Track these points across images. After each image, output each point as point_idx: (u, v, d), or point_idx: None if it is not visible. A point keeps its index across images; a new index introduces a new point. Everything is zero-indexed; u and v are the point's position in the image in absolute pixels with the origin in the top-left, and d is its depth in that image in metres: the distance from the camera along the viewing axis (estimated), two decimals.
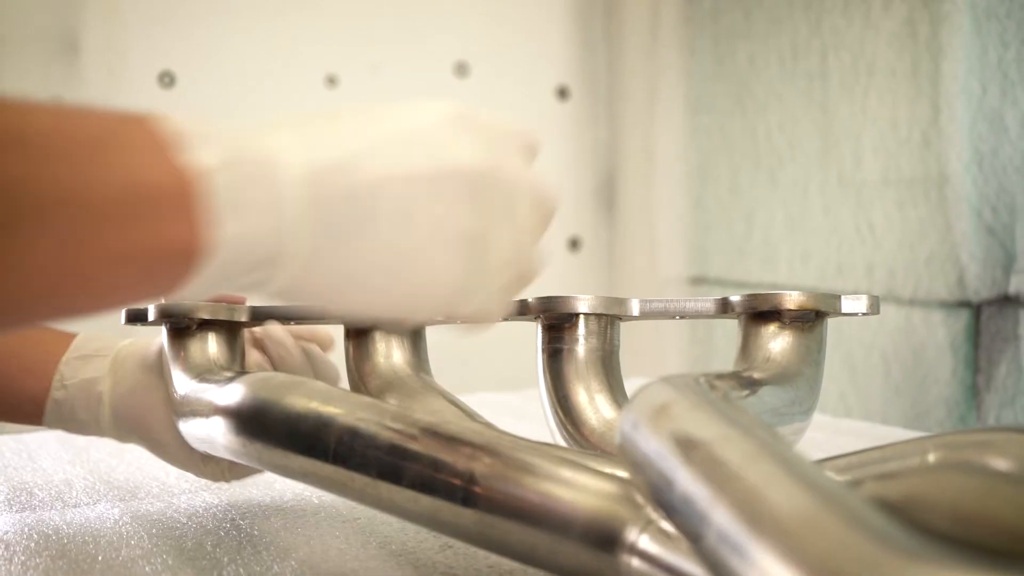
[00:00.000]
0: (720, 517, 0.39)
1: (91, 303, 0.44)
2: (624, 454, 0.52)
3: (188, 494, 0.83)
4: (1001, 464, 0.49)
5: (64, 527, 0.73)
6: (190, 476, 0.88)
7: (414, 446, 0.58)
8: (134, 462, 0.93)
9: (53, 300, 0.42)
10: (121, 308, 0.59)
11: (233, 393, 0.66)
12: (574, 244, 1.89)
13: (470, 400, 0.74)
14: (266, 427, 0.63)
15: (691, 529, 0.42)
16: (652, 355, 1.84)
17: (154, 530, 0.72)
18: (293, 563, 0.65)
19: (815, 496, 0.36)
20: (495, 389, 1.29)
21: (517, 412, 1.11)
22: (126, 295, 0.45)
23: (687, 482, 0.43)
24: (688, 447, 0.45)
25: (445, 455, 0.57)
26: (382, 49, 1.78)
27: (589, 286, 1.82)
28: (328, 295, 0.49)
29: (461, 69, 1.81)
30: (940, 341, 1.34)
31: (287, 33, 1.74)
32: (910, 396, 1.37)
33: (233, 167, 0.44)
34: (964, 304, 1.32)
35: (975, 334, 1.32)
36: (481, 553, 0.67)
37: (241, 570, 0.64)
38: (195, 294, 0.45)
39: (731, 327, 0.76)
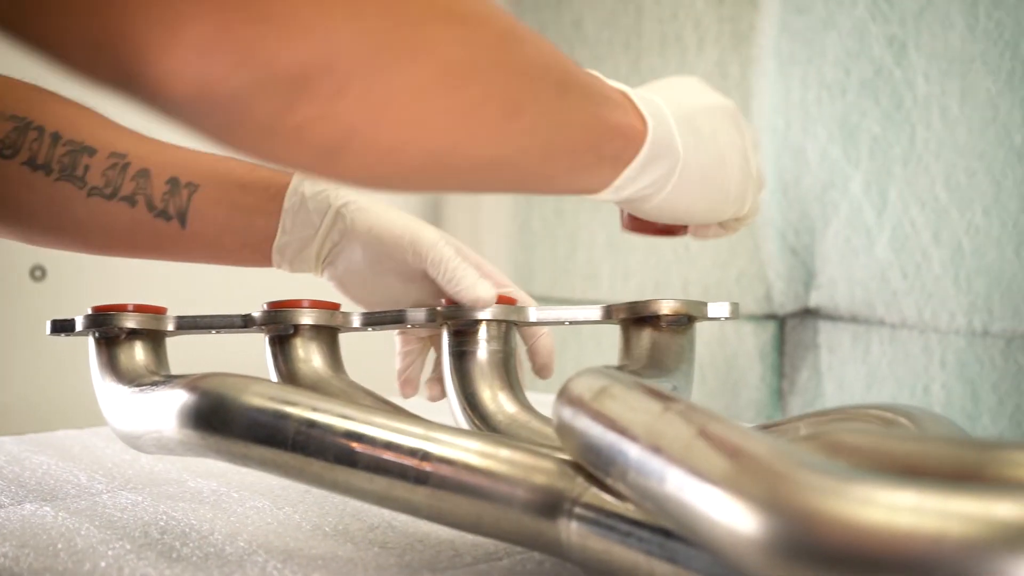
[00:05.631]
0: (635, 453, 0.50)
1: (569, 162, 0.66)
2: (562, 431, 0.62)
3: (109, 493, 0.88)
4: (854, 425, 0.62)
5: (7, 523, 0.79)
6: (103, 478, 0.94)
7: (369, 432, 0.67)
8: (41, 466, 0.98)
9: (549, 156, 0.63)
10: (576, 177, 0.70)
11: (188, 391, 0.73)
12: None
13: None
14: (226, 421, 0.70)
15: (609, 470, 0.53)
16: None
17: (97, 522, 0.79)
18: (241, 543, 0.73)
19: (732, 431, 0.47)
20: None
21: None
22: (588, 160, 0.67)
23: (642, 448, 0.53)
24: (633, 418, 0.55)
25: (398, 438, 0.66)
26: None
27: None
28: (685, 199, 0.74)
29: None
30: (750, 350, 1.49)
31: None
32: (724, 400, 1.52)
33: (648, 101, 0.71)
34: (771, 317, 1.48)
35: (780, 343, 1.48)
36: (410, 528, 0.76)
37: (198, 551, 0.71)
38: (623, 185, 0.70)
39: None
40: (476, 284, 0.82)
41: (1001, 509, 0.38)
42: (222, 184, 0.85)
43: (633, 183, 0.71)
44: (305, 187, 0.85)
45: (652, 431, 0.53)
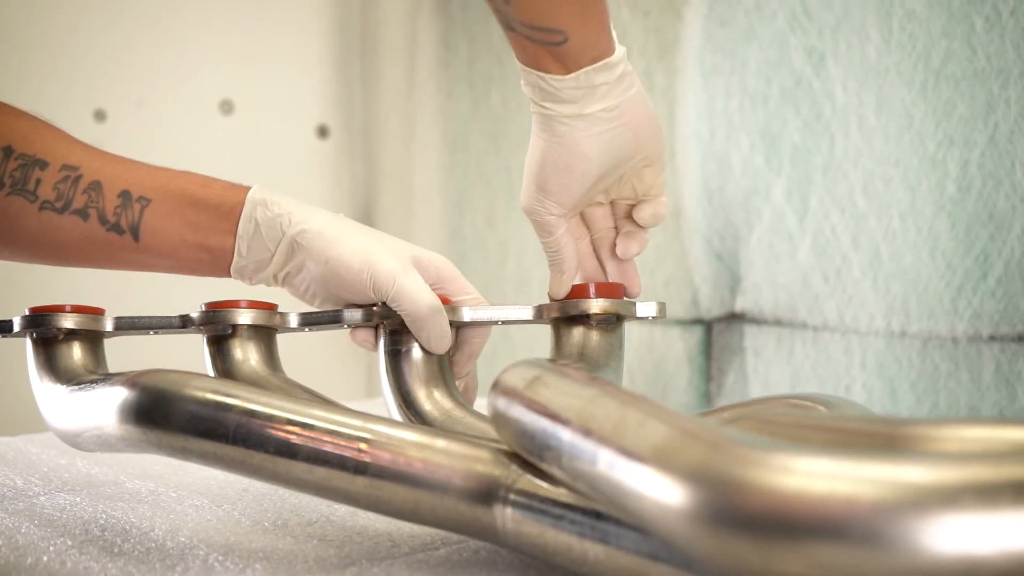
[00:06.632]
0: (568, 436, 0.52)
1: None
2: (497, 420, 0.65)
3: (46, 495, 0.89)
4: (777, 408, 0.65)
5: None
6: (39, 481, 0.94)
7: (309, 423, 0.69)
8: None
9: None
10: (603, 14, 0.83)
11: (128, 387, 0.74)
12: None
13: None
14: (167, 415, 0.72)
15: (544, 455, 0.55)
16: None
17: (36, 521, 0.79)
18: (182, 538, 0.74)
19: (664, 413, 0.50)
20: None
21: None
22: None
23: (573, 431, 0.56)
24: (565, 403, 0.58)
25: (338, 429, 0.68)
26: (149, 85, 1.84)
27: None
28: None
29: (226, 106, 1.89)
30: (678, 354, 1.52)
31: (55, 66, 1.78)
32: None
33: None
34: (698, 321, 1.51)
35: (707, 347, 1.51)
36: (349, 522, 0.77)
37: (139, 547, 0.72)
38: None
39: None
40: (440, 337, 0.84)
41: (908, 473, 0.41)
42: (174, 200, 0.85)
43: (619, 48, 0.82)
44: (258, 213, 0.85)
45: (583, 414, 0.56)
